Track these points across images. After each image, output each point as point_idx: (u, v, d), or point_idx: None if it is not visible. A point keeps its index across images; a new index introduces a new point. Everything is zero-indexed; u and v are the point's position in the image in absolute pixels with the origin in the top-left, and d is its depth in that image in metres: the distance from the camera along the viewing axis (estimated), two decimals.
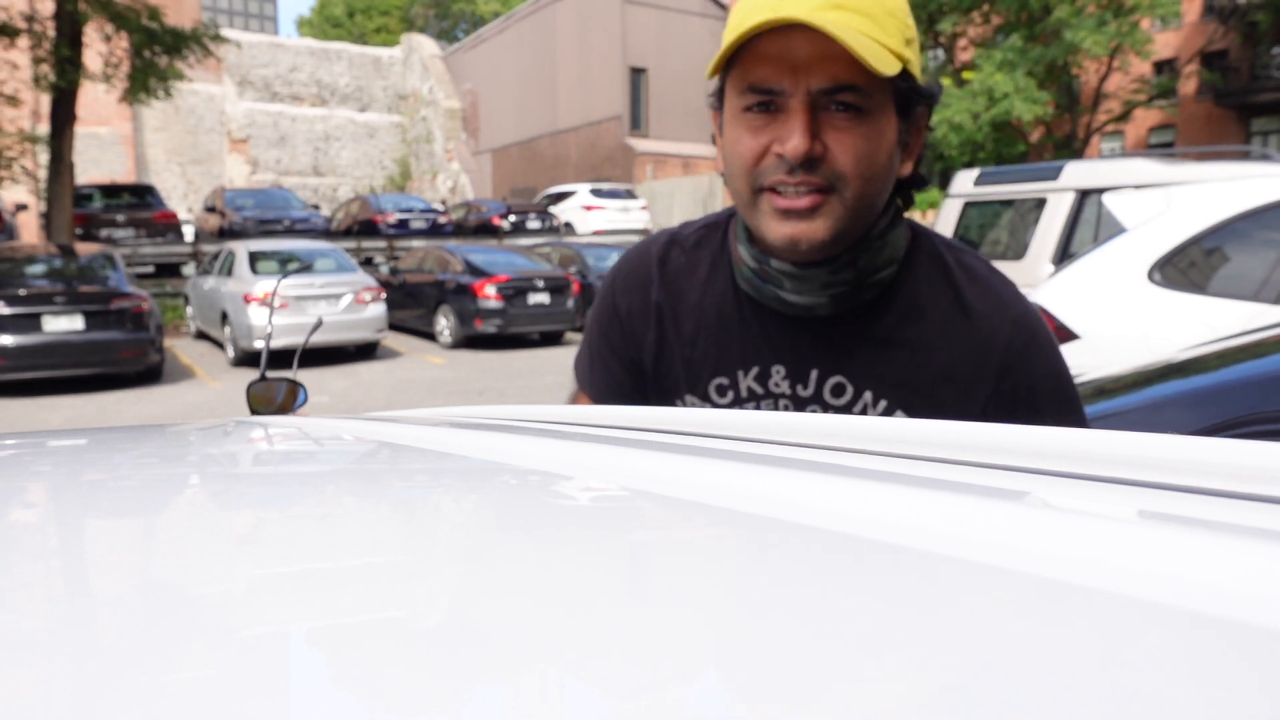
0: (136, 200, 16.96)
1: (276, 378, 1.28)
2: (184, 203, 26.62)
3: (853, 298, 0.93)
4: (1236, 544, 0.35)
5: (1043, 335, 0.96)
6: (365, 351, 10.74)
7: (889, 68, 0.81)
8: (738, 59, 0.86)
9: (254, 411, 1.26)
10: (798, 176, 0.85)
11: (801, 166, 0.85)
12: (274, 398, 1.27)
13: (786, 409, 0.97)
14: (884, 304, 0.95)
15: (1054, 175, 5.86)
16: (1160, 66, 29.25)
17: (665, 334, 1.02)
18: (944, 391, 0.93)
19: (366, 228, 18.08)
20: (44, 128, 13.93)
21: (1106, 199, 4.05)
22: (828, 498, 0.47)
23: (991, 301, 0.94)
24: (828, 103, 0.84)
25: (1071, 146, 25.81)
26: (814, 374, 0.96)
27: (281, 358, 8.00)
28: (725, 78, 0.91)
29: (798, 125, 0.84)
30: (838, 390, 0.95)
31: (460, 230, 18.91)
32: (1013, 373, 0.93)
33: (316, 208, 19.96)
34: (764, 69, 0.85)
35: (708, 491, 0.50)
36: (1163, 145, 28.71)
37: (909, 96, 0.88)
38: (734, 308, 0.99)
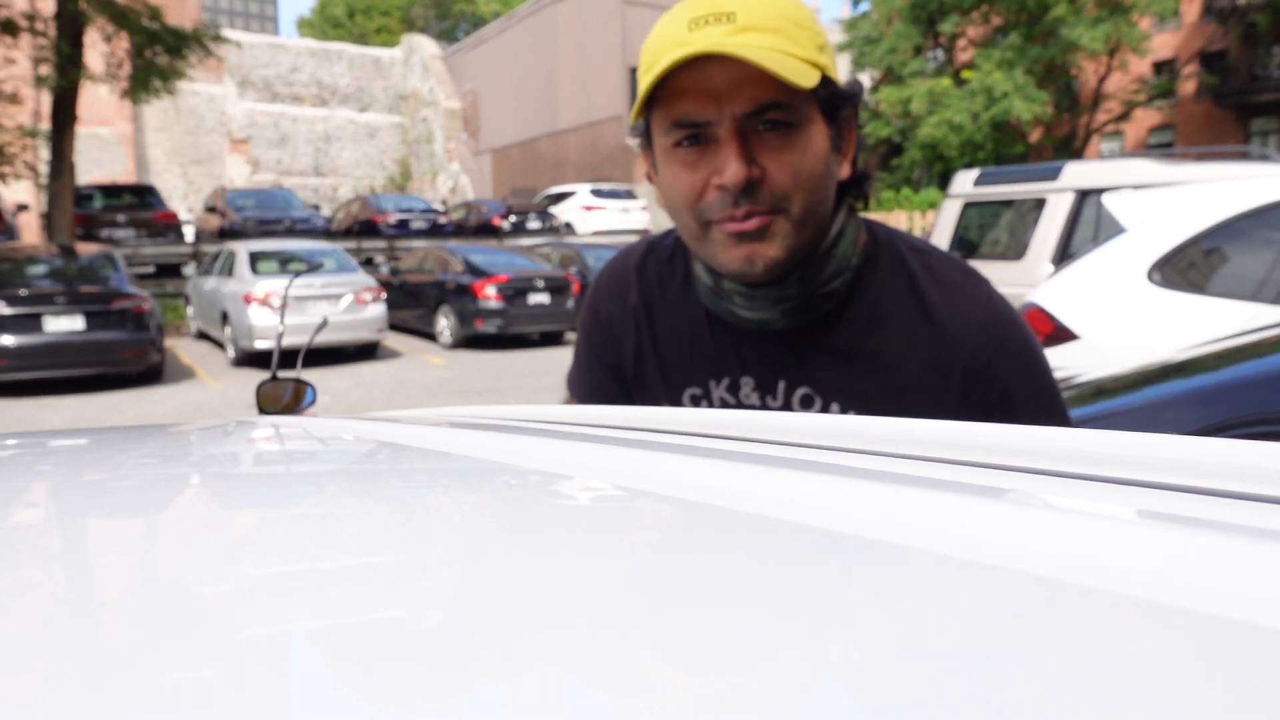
0: (137, 200, 16.96)
1: (286, 377, 1.30)
2: (184, 203, 26.61)
3: (806, 311, 0.92)
4: (1236, 544, 0.35)
5: (1015, 340, 0.92)
6: (365, 352, 10.73)
7: (807, 80, 0.81)
8: (660, 97, 0.86)
9: (263, 410, 1.28)
10: (742, 206, 0.85)
11: (744, 194, 0.85)
12: (282, 397, 1.29)
13: None
14: (844, 314, 0.93)
15: (1054, 175, 5.86)
16: (1159, 67, 29.27)
17: (642, 340, 1.03)
18: (911, 400, 0.91)
19: (367, 228, 18.07)
20: (45, 127, 13.91)
21: (1106, 199, 4.05)
22: (828, 498, 0.47)
23: (957, 306, 0.92)
24: (755, 124, 0.84)
25: (1071, 147, 25.82)
26: (781, 385, 0.95)
27: (282, 358, 7.98)
28: (649, 118, 0.91)
29: (731, 153, 0.84)
30: (806, 401, 0.95)
31: (460, 230, 18.91)
32: (981, 379, 0.91)
33: (317, 208, 19.97)
34: (687, 103, 0.85)
35: (708, 491, 0.51)
36: (1162, 145, 28.71)
37: (833, 101, 0.88)
38: (703, 319, 0.99)
